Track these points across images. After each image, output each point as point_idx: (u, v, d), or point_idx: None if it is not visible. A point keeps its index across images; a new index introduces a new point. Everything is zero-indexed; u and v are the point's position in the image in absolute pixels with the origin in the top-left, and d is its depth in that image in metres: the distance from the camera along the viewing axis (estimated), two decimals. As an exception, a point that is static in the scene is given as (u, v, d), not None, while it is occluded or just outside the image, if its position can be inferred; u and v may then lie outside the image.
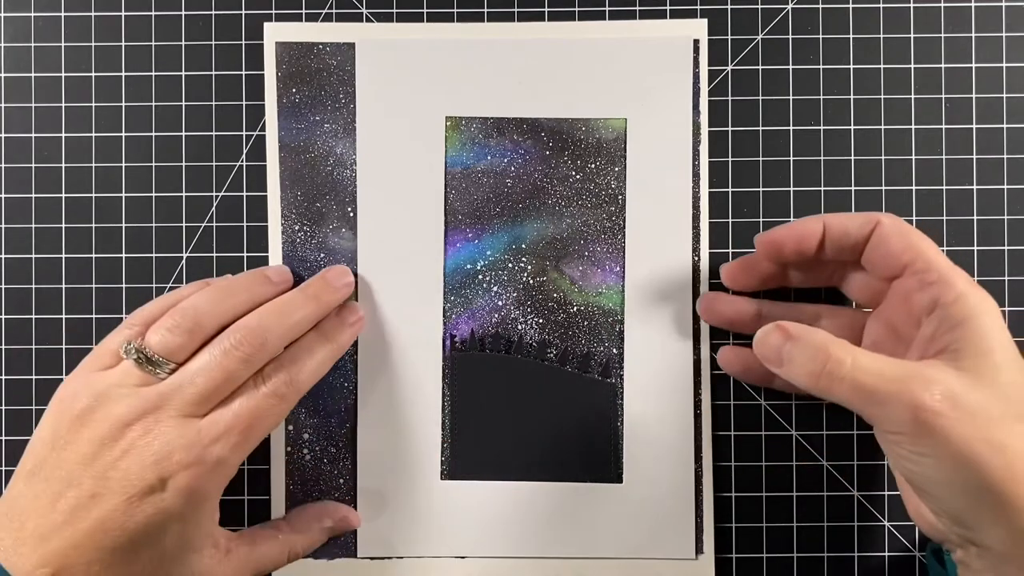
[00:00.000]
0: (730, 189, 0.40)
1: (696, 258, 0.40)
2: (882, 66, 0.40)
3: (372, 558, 0.40)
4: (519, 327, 0.40)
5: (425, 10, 0.40)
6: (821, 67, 0.40)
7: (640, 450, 0.39)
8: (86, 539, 0.32)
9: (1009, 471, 0.29)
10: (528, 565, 0.39)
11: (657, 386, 0.39)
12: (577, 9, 0.40)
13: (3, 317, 0.41)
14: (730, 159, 0.40)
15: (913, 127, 0.40)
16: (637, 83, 0.40)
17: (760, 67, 0.40)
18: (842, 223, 0.35)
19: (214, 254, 0.40)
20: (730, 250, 0.40)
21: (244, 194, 0.40)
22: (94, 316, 0.40)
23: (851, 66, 0.40)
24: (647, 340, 0.39)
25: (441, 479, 0.40)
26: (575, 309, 0.40)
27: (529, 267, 0.40)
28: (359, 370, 0.40)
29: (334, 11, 0.40)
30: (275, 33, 0.40)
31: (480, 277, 0.40)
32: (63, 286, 0.40)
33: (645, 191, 0.40)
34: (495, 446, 0.40)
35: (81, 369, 0.35)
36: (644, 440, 0.39)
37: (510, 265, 0.40)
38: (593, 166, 0.40)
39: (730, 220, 0.40)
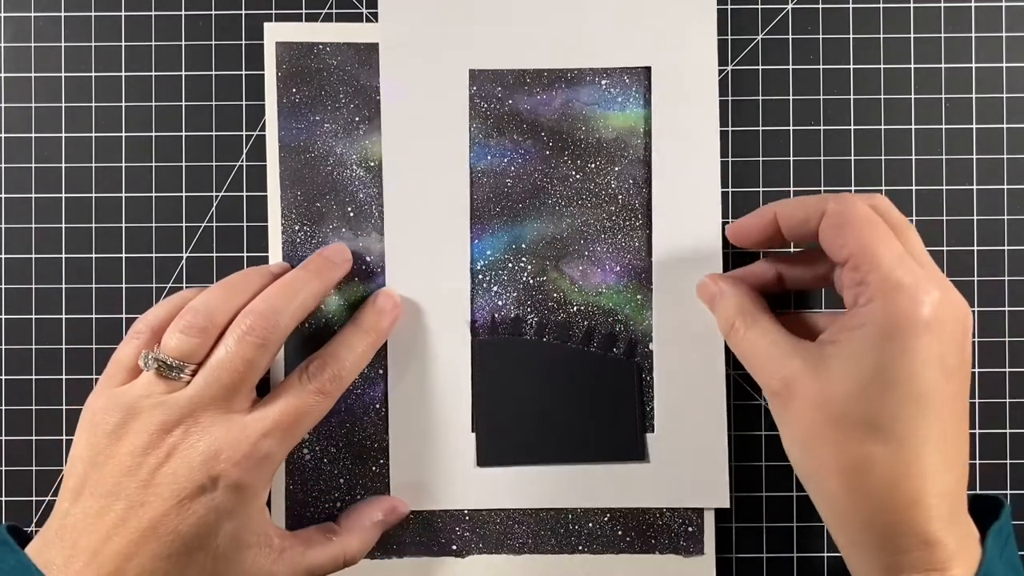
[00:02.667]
0: (730, 189, 0.40)
1: (725, 221, 0.39)
2: (882, 66, 0.40)
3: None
4: (519, 327, 0.40)
5: (425, 10, 0.40)
6: (821, 67, 0.40)
7: (671, 426, 0.39)
8: (138, 548, 0.31)
9: (827, 484, 0.31)
10: (541, 561, 0.39)
11: (688, 360, 0.39)
12: None
13: (3, 317, 0.40)
14: (730, 159, 0.40)
15: (913, 127, 0.40)
16: (661, 29, 0.39)
17: (760, 67, 0.40)
18: (794, 212, 0.34)
19: (214, 254, 0.40)
20: (731, 250, 0.40)
21: (244, 194, 0.40)
22: (94, 316, 0.40)
23: (851, 66, 0.40)
24: (678, 310, 0.39)
25: (477, 466, 0.39)
26: (575, 309, 0.39)
27: (529, 267, 0.40)
28: (389, 363, 0.39)
29: (334, 11, 0.40)
30: (275, 33, 0.40)
31: (480, 277, 0.40)
32: (63, 286, 0.40)
33: (672, 145, 0.39)
34: (525, 430, 0.39)
35: (101, 386, 0.35)
36: (674, 415, 0.39)
37: (510, 265, 0.40)
38: (593, 166, 0.40)
39: (731, 220, 0.40)
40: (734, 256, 0.40)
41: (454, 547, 0.40)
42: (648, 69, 0.39)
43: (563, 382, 0.39)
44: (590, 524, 0.39)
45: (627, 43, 0.39)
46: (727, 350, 0.39)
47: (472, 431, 0.39)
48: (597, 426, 0.39)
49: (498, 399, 0.39)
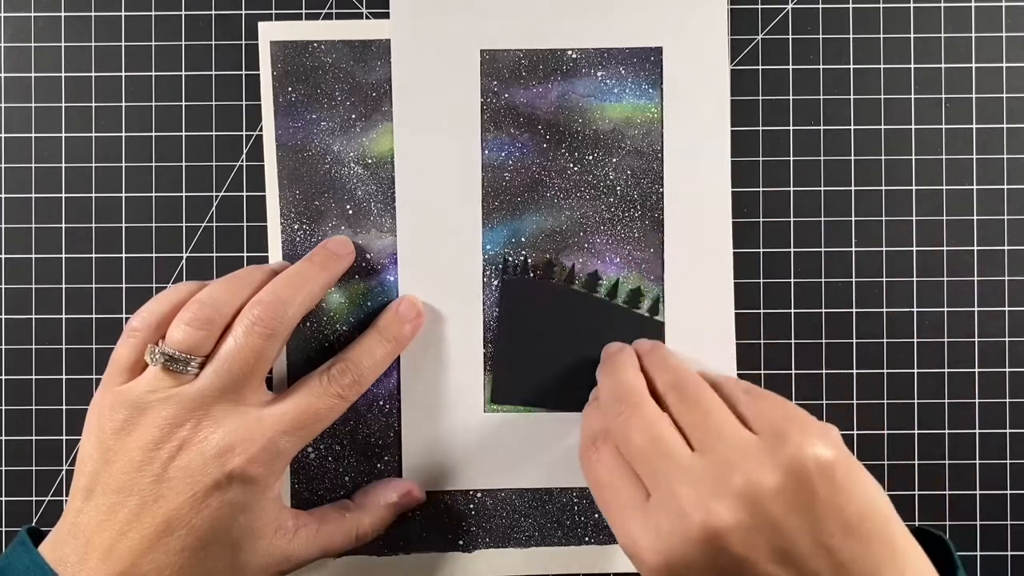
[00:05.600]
0: (730, 189, 0.39)
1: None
2: (882, 66, 0.39)
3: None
4: (550, 271, 0.39)
5: (425, 10, 0.39)
6: (821, 67, 0.39)
7: None
8: (153, 544, 0.31)
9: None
10: (548, 553, 0.39)
11: (698, 317, 0.38)
12: None
13: (3, 317, 0.39)
14: (730, 159, 0.39)
15: (913, 127, 0.39)
16: (672, 9, 0.38)
17: (760, 67, 0.39)
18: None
19: (214, 254, 0.39)
20: (730, 251, 0.39)
21: (244, 194, 0.39)
22: (94, 316, 0.39)
23: (851, 66, 0.39)
24: (688, 280, 0.38)
25: (491, 403, 0.39)
26: (575, 302, 0.39)
27: (529, 260, 0.39)
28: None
29: (334, 11, 0.39)
30: (269, 32, 0.39)
31: (482, 271, 0.39)
32: (63, 286, 0.39)
33: (682, 122, 0.38)
34: (542, 373, 0.38)
35: (104, 387, 0.34)
36: None
37: (510, 259, 0.39)
38: (591, 158, 0.39)
39: (730, 221, 0.39)
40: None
41: (460, 542, 0.39)
42: (653, 54, 0.39)
43: (587, 331, 0.38)
44: (596, 515, 0.39)
45: (639, 23, 0.38)
46: (736, 331, 0.38)
47: (485, 401, 0.39)
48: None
49: (520, 340, 0.39)
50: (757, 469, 0.28)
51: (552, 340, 0.39)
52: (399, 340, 0.37)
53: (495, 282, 0.39)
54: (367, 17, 0.39)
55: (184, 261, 0.39)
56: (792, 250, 0.39)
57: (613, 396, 0.33)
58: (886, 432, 0.39)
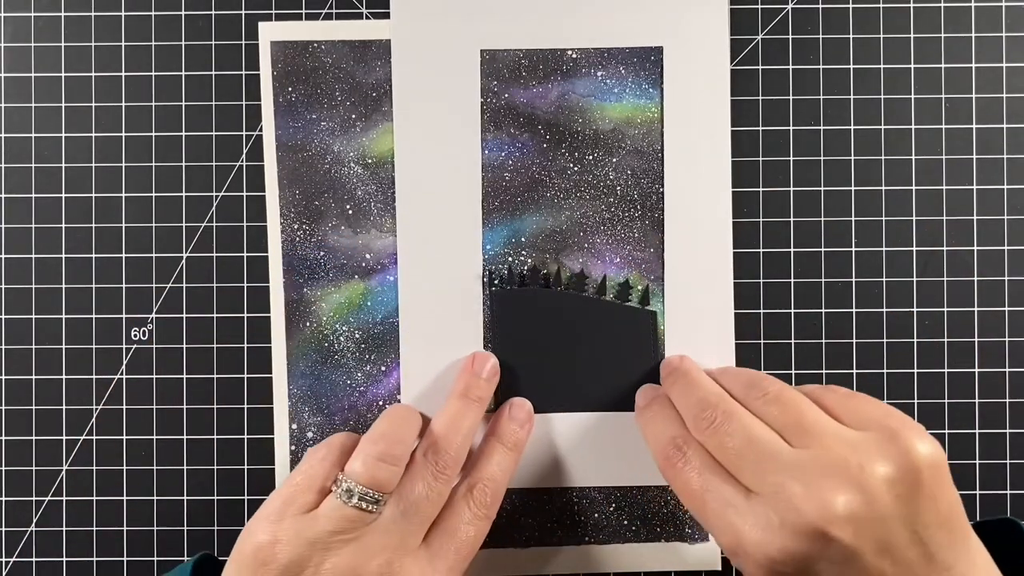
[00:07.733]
0: (730, 189, 0.39)
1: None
2: (882, 66, 0.39)
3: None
4: (536, 278, 0.39)
5: (425, 10, 0.39)
6: (821, 67, 0.39)
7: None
8: None
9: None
10: (548, 553, 0.39)
11: (698, 317, 0.38)
12: None
13: (3, 317, 0.39)
14: (730, 159, 0.39)
15: (913, 127, 0.39)
16: (672, 9, 0.38)
17: (760, 67, 0.39)
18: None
19: (214, 254, 0.39)
20: (730, 251, 0.39)
21: (244, 194, 0.39)
22: (94, 316, 0.39)
23: (851, 66, 0.39)
24: (688, 280, 0.38)
25: (491, 409, 0.38)
26: (575, 303, 0.39)
27: (529, 260, 0.39)
28: (403, 351, 0.38)
29: (334, 11, 0.39)
30: (270, 32, 0.39)
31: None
32: (63, 286, 0.39)
33: (682, 122, 0.38)
34: (542, 380, 0.38)
35: (271, 515, 0.32)
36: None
37: (510, 259, 0.39)
38: (591, 157, 0.39)
39: (730, 220, 0.39)
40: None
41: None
42: (653, 53, 0.38)
43: (579, 331, 0.38)
44: (596, 514, 0.39)
45: (639, 23, 0.38)
46: (736, 331, 0.38)
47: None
48: (614, 374, 0.38)
49: (515, 349, 0.38)
50: (870, 462, 0.29)
51: (548, 345, 0.38)
52: (520, 447, 0.37)
53: (495, 282, 0.39)
54: (367, 17, 0.39)
55: (184, 261, 0.39)
56: (792, 250, 0.39)
57: (698, 407, 0.33)
58: (886, 432, 0.39)
